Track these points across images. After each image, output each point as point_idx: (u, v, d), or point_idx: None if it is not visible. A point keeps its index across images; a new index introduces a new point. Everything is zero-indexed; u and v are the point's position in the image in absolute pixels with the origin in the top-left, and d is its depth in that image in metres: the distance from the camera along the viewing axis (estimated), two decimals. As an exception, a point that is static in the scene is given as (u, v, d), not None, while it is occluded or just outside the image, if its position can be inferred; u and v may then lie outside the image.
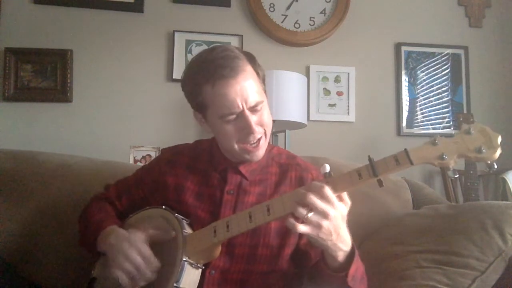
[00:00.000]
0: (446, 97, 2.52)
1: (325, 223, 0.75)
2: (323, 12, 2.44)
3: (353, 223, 0.83)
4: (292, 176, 1.05)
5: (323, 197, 0.76)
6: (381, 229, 1.30)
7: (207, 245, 0.88)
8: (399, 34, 2.52)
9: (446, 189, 2.22)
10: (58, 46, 2.23)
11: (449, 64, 2.53)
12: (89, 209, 1.09)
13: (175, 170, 1.06)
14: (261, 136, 0.97)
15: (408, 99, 2.49)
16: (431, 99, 2.51)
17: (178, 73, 2.28)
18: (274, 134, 2.16)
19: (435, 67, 2.53)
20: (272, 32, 2.38)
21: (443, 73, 2.53)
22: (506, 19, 2.60)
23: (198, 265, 0.89)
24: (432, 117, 2.50)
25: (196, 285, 0.89)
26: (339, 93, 2.44)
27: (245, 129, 0.93)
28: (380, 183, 0.77)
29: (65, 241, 1.28)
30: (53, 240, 1.30)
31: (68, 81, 2.21)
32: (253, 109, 0.94)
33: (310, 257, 0.99)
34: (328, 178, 0.80)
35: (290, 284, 1.03)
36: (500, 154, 0.74)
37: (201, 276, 0.90)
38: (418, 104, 2.50)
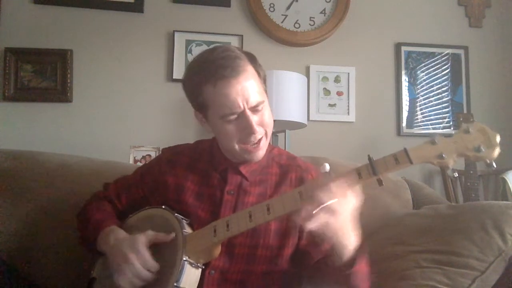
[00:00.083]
0: (446, 97, 2.52)
1: (332, 220, 0.74)
2: (323, 12, 2.44)
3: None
4: (292, 177, 1.05)
5: (331, 193, 0.75)
6: (381, 229, 1.30)
7: (207, 244, 0.88)
8: (399, 34, 2.52)
9: (446, 189, 2.22)
10: (58, 46, 2.23)
11: (449, 64, 2.53)
12: (89, 208, 1.10)
13: (175, 170, 1.06)
14: (262, 137, 0.97)
15: (408, 99, 2.49)
16: (431, 99, 2.51)
17: (178, 73, 2.28)
18: (274, 134, 2.16)
19: (435, 67, 2.53)
20: (272, 32, 2.38)
21: (443, 73, 2.53)
22: (506, 19, 2.60)
23: (198, 264, 0.89)
24: (432, 117, 2.50)
25: (196, 285, 0.89)
26: (339, 93, 2.44)
27: (246, 129, 0.93)
28: (379, 182, 0.77)
29: (65, 241, 1.28)
30: (53, 240, 1.30)
31: (68, 81, 2.21)
32: (254, 109, 0.94)
33: (311, 257, 0.99)
34: (327, 177, 0.80)
35: (289, 285, 1.03)
36: (500, 154, 0.74)
37: (200, 276, 0.90)
38: (418, 104, 2.50)
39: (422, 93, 2.51)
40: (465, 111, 2.49)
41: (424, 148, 0.77)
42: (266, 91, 1.01)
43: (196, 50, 2.32)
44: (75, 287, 1.22)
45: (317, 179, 0.80)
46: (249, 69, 0.95)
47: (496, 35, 2.59)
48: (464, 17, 2.58)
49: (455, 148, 0.74)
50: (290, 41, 2.39)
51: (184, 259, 0.86)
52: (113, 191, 1.14)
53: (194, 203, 1.00)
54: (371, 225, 1.30)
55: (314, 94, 2.41)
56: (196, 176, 1.04)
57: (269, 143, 1.07)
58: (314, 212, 0.74)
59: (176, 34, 2.32)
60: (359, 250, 0.82)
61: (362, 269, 0.84)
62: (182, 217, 0.95)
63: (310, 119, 2.35)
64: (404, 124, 2.45)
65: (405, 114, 2.47)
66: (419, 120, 2.49)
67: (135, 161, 2.07)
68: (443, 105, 2.51)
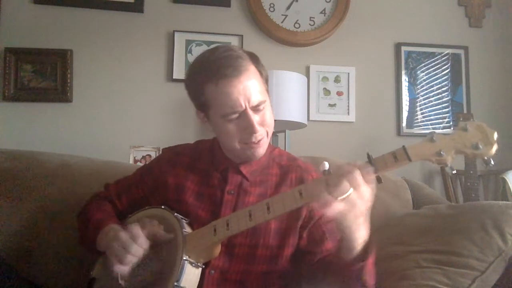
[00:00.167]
0: (446, 97, 2.52)
1: (360, 203, 0.74)
2: (323, 12, 2.44)
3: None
4: (292, 177, 1.05)
5: (366, 179, 0.75)
6: (381, 229, 1.30)
7: (207, 244, 0.88)
8: (399, 34, 2.52)
9: (446, 189, 2.22)
10: (58, 46, 2.23)
11: (449, 64, 2.53)
12: (89, 208, 1.10)
13: (176, 170, 1.06)
14: (263, 137, 0.97)
15: (408, 99, 2.49)
16: (431, 99, 2.51)
17: (178, 73, 2.28)
18: (274, 134, 2.16)
19: (435, 67, 2.53)
20: (272, 32, 2.38)
21: (443, 73, 2.53)
22: (506, 19, 2.60)
23: (198, 264, 0.89)
24: (432, 117, 2.50)
25: (196, 285, 0.89)
26: (339, 93, 2.44)
27: (247, 129, 0.93)
28: (378, 179, 0.77)
29: (65, 241, 1.28)
30: (53, 240, 1.30)
31: (68, 81, 2.21)
32: (256, 109, 0.94)
33: (311, 256, 0.99)
34: (327, 175, 0.80)
35: (289, 285, 1.03)
36: (500, 154, 0.74)
37: (200, 276, 0.90)
38: (418, 104, 2.50)
39: (422, 93, 2.51)
40: (465, 111, 2.49)
41: (422, 146, 0.77)
42: (268, 91, 1.01)
43: (196, 50, 2.32)
44: (75, 287, 1.23)
45: (318, 179, 0.80)
46: (251, 69, 0.95)
47: (496, 35, 2.59)
48: (464, 17, 2.58)
49: (453, 145, 0.75)
50: (290, 41, 2.39)
51: (184, 258, 0.86)
52: (114, 191, 1.14)
53: (195, 203, 1.00)
54: (371, 225, 1.30)
55: (314, 94, 2.41)
56: (197, 176, 1.04)
57: (270, 144, 1.07)
58: (339, 198, 0.73)
59: (176, 34, 2.32)
60: (369, 244, 0.82)
61: (370, 263, 0.84)
62: (182, 217, 0.95)
63: (310, 119, 2.35)
64: (404, 124, 2.46)
65: (405, 114, 2.47)
66: (419, 120, 2.49)
67: (135, 161, 2.07)
68: (443, 105, 2.51)
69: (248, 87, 0.92)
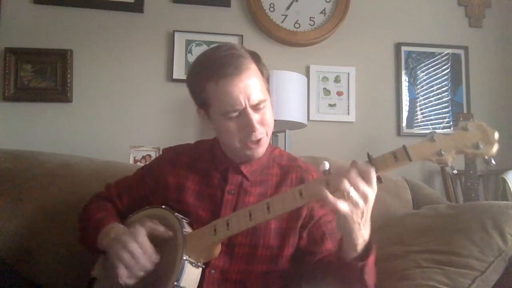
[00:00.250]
0: (446, 97, 2.52)
1: (362, 204, 0.74)
2: (323, 12, 2.44)
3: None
4: (293, 177, 1.05)
5: (368, 179, 0.75)
6: (381, 229, 1.30)
7: (207, 243, 0.88)
8: (399, 34, 2.52)
9: (446, 189, 2.22)
10: (58, 46, 2.23)
11: (449, 64, 2.53)
12: (90, 208, 1.10)
13: (176, 170, 1.06)
14: (262, 137, 0.97)
15: (408, 99, 2.49)
16: (431, 99, 2.51)
17: (178, 73, 2.28)
18: (274, 134, 2.16)
19: (435, 67, 2.53)
20: (272, 32, 2.38)
21: (443, 73, 2.53)
22: (506, 19, 2.60)
23: (198, 264, 0.89)
24: (432, 117, 2.50)
25: (196, 285, 0.89)
26: (339, 93, 2.44)
27: (247, 127, 0.93)
28: (379, 179, 0.77)
29: (65, 241, 1.28)
30: (53, 240, 1.30)
31: (68, 81, 2.21)
32: (256, 107, 0.94)
33: (312, 256, 0.99)
34: (327, 175, 0.80)
35: (289, 285, 1.03)
36: (500, 154, 0.74)
37: (200, 276, 0.90)
38: (418, 104, 2.50)
39: (422, 93, 2.51)
40: (465, 111, 2.49)
41: (423, 145, 0.77)
42: (268, 91, 1.01)
43: (196, 50, 2.32)
44: (75, 287, 1.23)
45: (318, 178, 0.80)
46: (252, 68, 0.95)
47: (496, 35, 2.59)
48: (464, 17, 2.58)
49: (453, 145, 0.74)
50: (290, 41, 2.39)
51: (185, 258, 0.86)
52: (114, 191, 1.14)
53: (195, 202, 1.00)
54: (371, 225, 1.30)
55: (314, 94, 2.41)
56: (197, 176, 1.04)
57: (270, 144, 1.07)
58: (339, 198, 0.73)
59: (176, 34, 2.32)
60: (370, 244, 0.82)
61: (371, 263, 0.84)
62: (182, 216, 0.95)
63: (310, 119, 2.35)
64: (404, 124, 2.46)
65: (405, 114, 2.47)
66: (419, 120, 2.49)
67: (135, 161, 2.07)
68: (443, 105, 2.51)
69: (249, 86, 0.92)
